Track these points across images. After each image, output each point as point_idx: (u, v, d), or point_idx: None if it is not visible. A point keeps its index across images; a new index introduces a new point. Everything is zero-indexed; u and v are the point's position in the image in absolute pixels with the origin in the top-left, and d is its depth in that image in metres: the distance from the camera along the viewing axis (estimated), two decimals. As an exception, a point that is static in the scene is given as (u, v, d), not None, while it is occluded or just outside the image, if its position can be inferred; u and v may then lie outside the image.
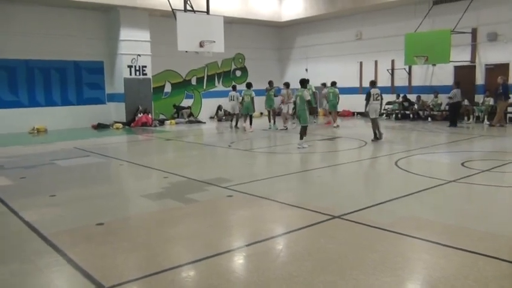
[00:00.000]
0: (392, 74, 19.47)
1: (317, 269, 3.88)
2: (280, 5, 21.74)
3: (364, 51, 20.18)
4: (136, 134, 16.11)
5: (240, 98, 16.36)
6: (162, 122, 18.97)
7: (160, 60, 19.07)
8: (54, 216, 5.79)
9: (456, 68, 17.19)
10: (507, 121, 15.64)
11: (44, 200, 6.58)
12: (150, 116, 18.35)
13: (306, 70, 22.50)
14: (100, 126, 17.68)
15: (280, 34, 24.13)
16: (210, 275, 3.83)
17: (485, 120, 15.80)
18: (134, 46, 17.91)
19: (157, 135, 15.46)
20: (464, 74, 16.99)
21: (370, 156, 10.49)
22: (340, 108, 20.19)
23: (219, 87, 22.13)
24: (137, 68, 18.17)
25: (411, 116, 18.26)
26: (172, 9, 14.35)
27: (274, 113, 16.61)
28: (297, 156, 10.50)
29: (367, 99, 12.12)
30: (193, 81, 21.39)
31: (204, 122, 19.79)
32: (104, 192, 7.15)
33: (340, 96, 17.06)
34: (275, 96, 16.69)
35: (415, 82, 18.87)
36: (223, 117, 20.51)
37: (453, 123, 15.30)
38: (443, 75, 17.48)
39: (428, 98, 17.98)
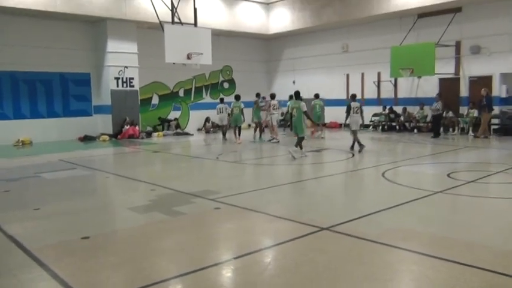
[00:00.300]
0: (378, 86, 19.69)
1: (305, 281, 3.85)
2: (268, 18, 21.94)
3: (350, 63, 20.42)
4: (123, 146, 15.98)
5: (229, 110, 16.49)
6: (149, 134, 18.86)
7: (147, 72, 19.05)
8: (38, 230, 5.69)
9: (441, 80, 17.46)
10: (491, 132, 15.89)
11: (28, 214, 6.47)
12: (137, 128, 18.25)
13: (294, 82, 22.65)
14: (86, 139, 17.52)
15: (268, 46, 24.31)
16: (198, 289, 3.78)
17: (470, 131, 16.03)
18: (121, 58, 17.87)
19: (145, 148, 15.36)
20: (448, 86, 17.27)
21: (357, 168, 10.54)
22: (327, 120, 20.41)
23: (207, 99, 22.15)
24: (124, 80, 18.10)
25: (397, 127, 18.44)
26: (160, 22, 14.39)
27: (261, 126, 16.58)
28: (285, 168, 10.50)
29: (348, 111, 12.59)
30: (181, 93, 21.38)
31: (192, 134, 19.74)
32: (89, 206, 7.05)
33: (327, 108, 17.23)
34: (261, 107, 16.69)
35: (401, 94, 19.10)
36: (211, 129, 20.49)
37: (436, 134, 15.67)
38: (429, 87, 17.74)
39: (414, 110, 18.20)
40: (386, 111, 18.90)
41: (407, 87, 18.81)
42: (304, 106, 11.48)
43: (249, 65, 23.56)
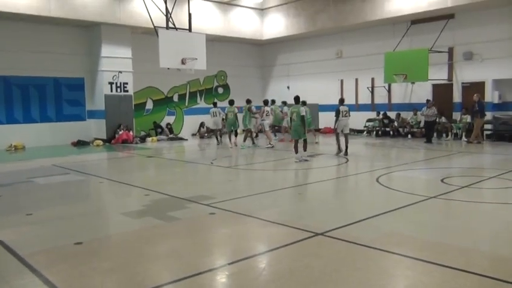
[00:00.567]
0: (372, 92, 19.78)
1: (300, 287, 3.84)
2: (262, 24, 21.99)
3: (344, 69, 20.50)
4: (117, 151, 15.91)
5: (223, 114, 16.50)
6: (143, 139, 18.80)
7: (142, 77, 19.02)
8: (30, 235, 5.64)
9: (434, 86, 17.58)
10: (484, 138, 16.00)
11: (21, 219, 6.41)
12: (131, 132, 18.18)
13: (288, 88, 22.70)
14: (80, 143, 17.43)
15: (262, 52, 24.37)
16: (192, 294, 3.76)
17: (463, 137, 16.13)
18: (115, 63, 17.82)
19: (138, 152, 15.30)
20: (442, 92, 17.39)
21: (351, 173, 10.57)
22: (321, 125, 20.48)
23: (201, 104, 22.13)
24: (118, 85, 18.05)
25: (391, 133, 18.51)
26: (155, 27, 14.38)
27: (251, 132, 16.22)
28: (279, 173, 10.50)
29: (337, 115, 12.87)
30: (175, 98, 21.35)
31: (186, 139, 19.70)
32: (82, 211, 7.00)
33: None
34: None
35: (395, 100, 19.20)
36: (206, 134, 20.46)
37: (429, 140, 15.85)
38: (422, 93, 17.84)
39: (407, 115, 18.30)
40: (380, 116, 18.99)
41: (401, 92, 18.91)
42: (303, 111, 11.67)
43: (244, 70, 23.59)
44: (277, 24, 21.36)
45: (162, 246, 5.14)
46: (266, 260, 4.65)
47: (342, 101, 13.46)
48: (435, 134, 16.74)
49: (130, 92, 18.50)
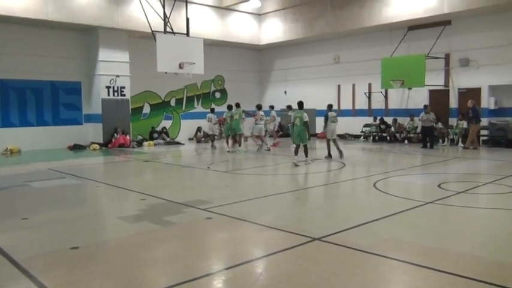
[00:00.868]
0: (369, 97, 19.84)
1: (298, 292, 3.83)
2: (260, 29, 22.06)
3: (341, 74, 20.56)
4: (114, 155, 15.87)
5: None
6: (140, 143, 18.77)
7: (139, 81, 19.02)
8: (26, 239, 5.60)
9: (431, 91, 17.65)
10: (480, 143, 16.05)
11: (16, 223, 6.37)
12: (128, 137, 18.15)
13: (285, 92, 22.75)
14: (76, 147, 17.38)
15: (260, 57, 24.42)
16: (189, 299, 3.74)
17: (460, 142, 16.18)
18: (113, 67, 17.82)
19: (135, 157, 15.26)
20: (438, 98, 17.46)
21: (348, 178, 10.57)
22: (318, 130, 20.50)
23: (198, 108, 22.14)
24: (115, 89, 18.04)
25: (388, 138, 18.56)
26: (152, 31, 14.38)
27: (240, 137, 15.94)
28: (276, 178, 10.49)
29: (325, 121, 13.12)
30: (173, 103, 21.35)
31: (183, 144, 19.68)
32: (79, 215, 6.97)
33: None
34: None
35: (392, 105, 19.26)
36: (202, 139, 20.45)
37: (425, 145, 15.93)
38: (419, 98, 17.90)
39: (404, 121, 18.36)
40: (377, 122, 19.04)
41: (398, 98, 18.98)
42: (306, 116, 11.84)
43: (241, 75, 23.62)
44: (275, 30, 21.43)
45: (159, 251, 5.12)
46: (263, 264, 4.63)
47: (330, 106, 13.63)
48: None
49: (128, 96, 18.48)
